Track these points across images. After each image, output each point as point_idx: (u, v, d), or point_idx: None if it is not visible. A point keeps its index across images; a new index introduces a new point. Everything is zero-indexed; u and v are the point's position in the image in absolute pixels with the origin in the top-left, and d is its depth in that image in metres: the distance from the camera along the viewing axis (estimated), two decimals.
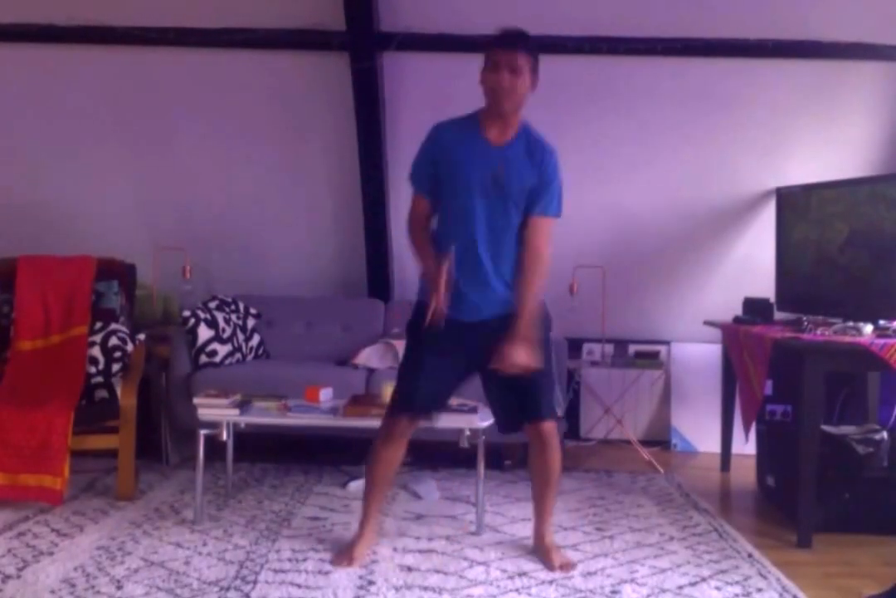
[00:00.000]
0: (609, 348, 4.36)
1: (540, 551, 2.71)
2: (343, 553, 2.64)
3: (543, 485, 2.69)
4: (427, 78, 4.05)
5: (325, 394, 3.17)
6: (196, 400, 3.04)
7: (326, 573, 2.52)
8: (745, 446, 3.76)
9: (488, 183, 2.46)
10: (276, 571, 2.53)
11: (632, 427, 4.39)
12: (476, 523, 2.95)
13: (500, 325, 2.48)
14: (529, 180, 2.48)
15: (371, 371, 3.82)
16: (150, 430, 3.67)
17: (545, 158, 2.50)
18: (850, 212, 3.44)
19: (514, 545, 2.83)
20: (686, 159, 4.25)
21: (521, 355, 2.41)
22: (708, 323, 4.02)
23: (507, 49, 2.41)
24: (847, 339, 3.00)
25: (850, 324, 3.14)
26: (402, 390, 2.61)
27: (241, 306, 4.11)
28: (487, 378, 2.60)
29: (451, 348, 2.51)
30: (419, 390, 2.56)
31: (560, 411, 2.69)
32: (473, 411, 2.96)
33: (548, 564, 2.63)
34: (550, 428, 2.59)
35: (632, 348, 4.41)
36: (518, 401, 2.59)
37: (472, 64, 4.08)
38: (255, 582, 2.43)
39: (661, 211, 4.36)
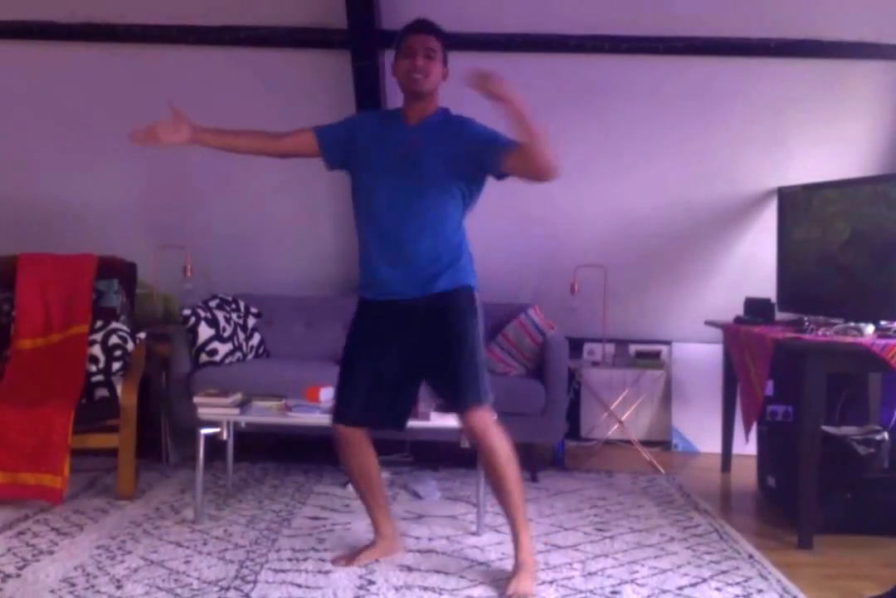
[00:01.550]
0: (610, 348, 4.35)
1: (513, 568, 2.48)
2: (348, 554, 2.63)
3: (496, 489, 2.49)
4: None
5: (326, 393, 3.16)
6: (196, 399, 3.04)
7: (327, 572, 2.52)
8: (746, 446, 3.76)
9: (397, 161, 2.44)
10: (276, 571, 2.52)
11: (632, 428, 4.38)
12: (476, 523, 2.95)
13: (431, 306, 2.43)
14: (452, 152, 2.41)
15: None
16: (150, 429, 3.66)
17: (464, 123, 2.48)
18: (852, 212, 3.43)
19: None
20: (687, 158, 4.25)
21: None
22: (709, 323, 4.02)
23: (420, 34, 2.44)
24: (848, 339, 3.00)
25: (852, 324, 3.14)
26: (336, 398, 2.60)
27: (242, 305, 4.10)
28: (422, 372, 2.54)
29: (383, 338, 2.49)
30: (352, 400, 2.53)
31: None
32: None
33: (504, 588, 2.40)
34: (477, 418, 2.41)
35: (633, 348, 4.40)
36: (444, 393, 2.54)
37: (474, 62, 4.08)
38: (255, 582, 2.43)
39: (662, 210, 4.35)
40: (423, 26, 2.47)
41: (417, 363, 2.50)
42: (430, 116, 2.49)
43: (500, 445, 2.43)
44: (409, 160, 2.43)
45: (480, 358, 2.46)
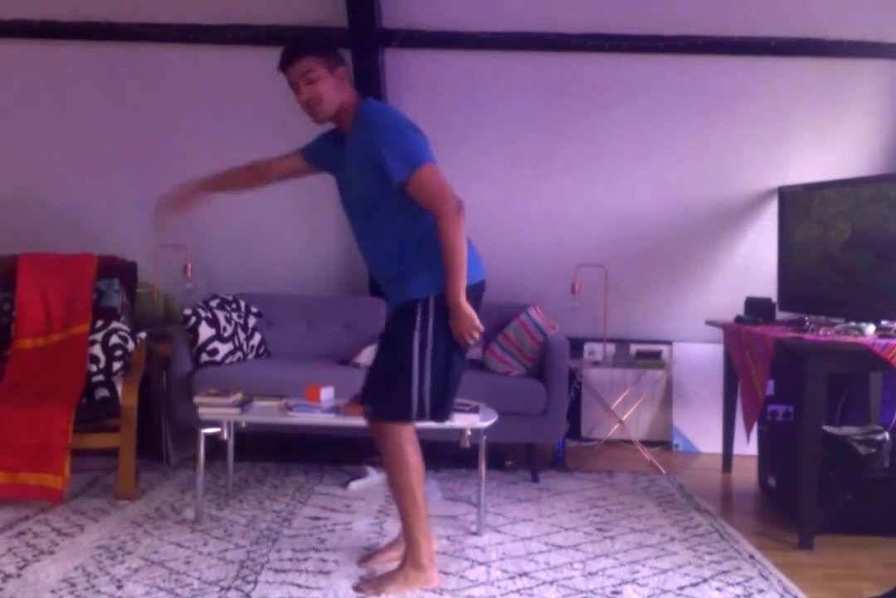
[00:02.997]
0: (610, 348, 4.35)
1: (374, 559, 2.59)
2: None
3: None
4: (430, 75, 4.05)
5: (326, 393, 3.16)
6: (197, 399, 3.04)
7: (327, 572, 2.52)
8: (747, 446, 3.76)
9: (343, 178, 2.47)
10: (276, 571, 2.52)
11: (633, 428, 4.38)
12: (477, 523, 2.95)
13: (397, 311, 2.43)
14: (366, 153, 2.31)
15: None
16: (150, 429, 3.66)
17: (363, 122, 2.33)
18: (853, 212, 3.43)
19: (515, 545, 2.82)
20: (688, 158, 4.24)
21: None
22: (710, 323, 4.02)
23: (291, 63, 2.38)
24: (849, 339, 2.99)
25: (853, 324, 3.13)
26: (436, 397, 2.41)
27: (243, 305, 4.10)
28: None
29: None
30: (449, 398, 2.49)
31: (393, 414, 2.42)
32: (475, 411, 2.95)
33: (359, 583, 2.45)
34: (367, 413, 2.49)
35: (633, 348, 4.40)
36: None
37: (475, 61, 4.10)
38: (255, 582, 2.43)
39: (663, 210, 4.35)
40: (287, 56, 2.40)
41: None
42: (350, 130, 2.39)
43: (386, 445, 2.46)
44: (345, 180, 2.47)
45: (405, 367, 2.35)
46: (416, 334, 2.35)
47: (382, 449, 2.48)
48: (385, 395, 2.41)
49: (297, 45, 2.41)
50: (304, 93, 2.37)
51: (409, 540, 2.45)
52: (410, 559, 2.43)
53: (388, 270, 2.45)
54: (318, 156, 2.58)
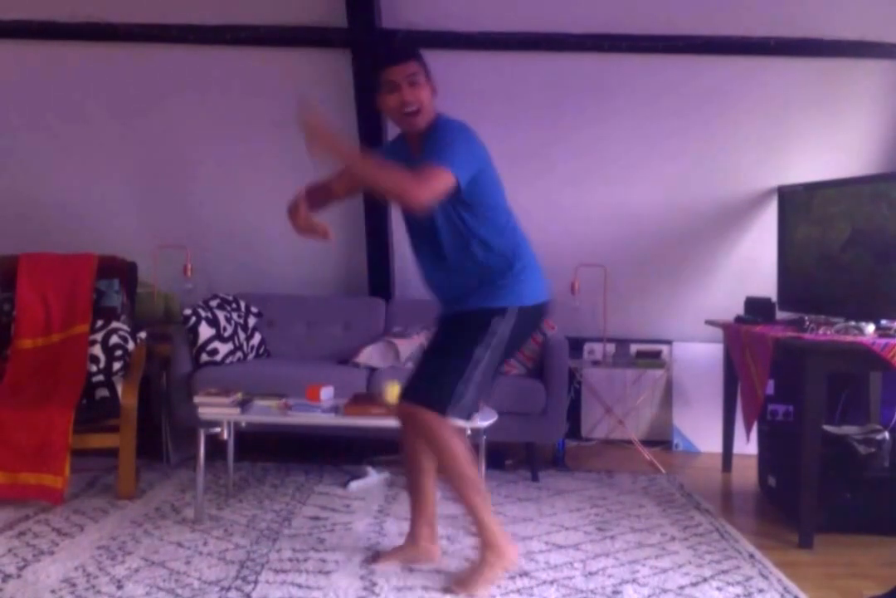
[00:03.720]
0: (610, 348, 4.35)
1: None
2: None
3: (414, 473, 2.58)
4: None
5: (326, 393, 3.16)
6: (197, 399, 3.04)
7: (327, 573, 2.52)
8: (747, 446, 3.76)
9: None
10: (276, 571, 2.52)
11: (633, 427, 4.38)
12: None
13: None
14: None
15: (372, 370, 3.82)
16: (150, 429, 3.66)
17: (439, 132, 2.32)
18: (853, 211, 3.43)
19: (516, 544, 2.81)
20: (688, 157, 4.24)
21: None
22: (710, 322, 4.02)
23: (399, 63, 2.35)
24: (849, 339, 2.99)
25: (852, 324, 3.13)
26: (474, 397, 2.42)
27: (243, 305, 4.10)
28: None
29: None
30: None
31: (458, 414, 2.39)
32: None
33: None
34: (401, 410, 2.44)
35: (633, 348, 4.40)
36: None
37: (475, 61, 4.10)
38: (255, 582, 2.42)
39: (662, 210, 4.35)
40: (397, 55, 2.39)
41: None
42: (425, 142, 2.37)
43: (432, 443, 2.42)
44: None
45: (458, 365, 2.36)
46: (485, 339, 2.36)
47: (426, 443, 2.45)
48: (429, 383, 2.39)
49: (406, 50, 2.41)
50: (406, 95, 2.33)
51: (478, 525, 2.43)
52: (487, 544, 2.42)
53: (467, 282, 2.44)
54: None
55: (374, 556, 2.65)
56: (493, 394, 2.67)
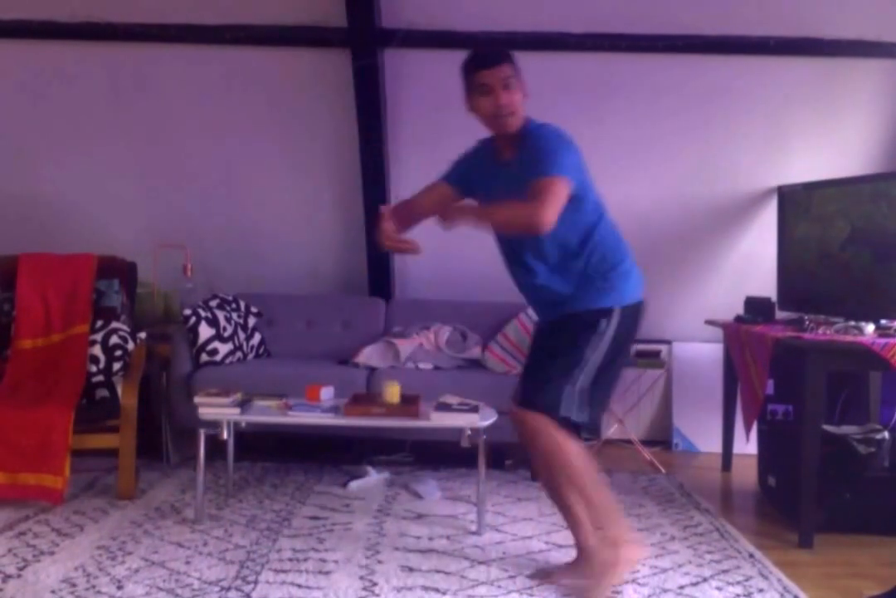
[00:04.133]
0: None
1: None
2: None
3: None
4: (429, 75, 4.04)
5: (326, 393, 3.16)
6: (197, 399, 3.04)
7: (327, 573, 2.52)
8: (747, 445, 3.76)
9: (493, 201, 2.40)
10: (276, 571, 2.52)
11: (633, 427, 4.38)
12: (477, 522, 2.95)
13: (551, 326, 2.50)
14: (528, 182, 2.28)
15: (372, 370, 3.82)
16: (150, 429, 3.66)
17: (531, 147, 2.32)
18: (852, 210, 3.43)
19: (516, 544, 2.82)
20: (687, 157, 4.24)
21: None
22: (709, 322, 4.02)
23: (493, 66, 2.32)
24: (849, 338, 2.99)
25: (852, 323, 3.13)
26: (585, 398, 2.41)
27: (242, 305, 4.10)
28: None
29: None
30: (595, 410, 2.48)
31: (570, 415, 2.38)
32: (474, 410, 2.95)
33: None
34: (514, 416, 2.44)
35: (633, 348, 4.39)
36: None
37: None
38: (255, 582, 2.43)
39: (661, 209, 4.35)
40: (491, 58, 2.34)
41: None
42: (517, 151, 2.38)
43: (540, 447, 2.40)
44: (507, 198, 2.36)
45: (566, 365, 2.37)
46: (591, 340, 2.37)
47: (536, 449, 2.42)
48: (536, 386, 2.40)
49: (500, 52, 2.37)
50: (502, 98, 2.31)
51: (605, 520, 2.40)
52: (612, 538, 2.38)
53: (569, 285, 2.43)
54: (464, 181, 2.53)
55: (541, 573, 2.54)
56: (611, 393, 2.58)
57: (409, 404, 3.01)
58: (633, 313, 2.45)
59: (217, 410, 2.96)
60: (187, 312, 3.78)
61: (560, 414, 2.35)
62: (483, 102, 2.34)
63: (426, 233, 4.49)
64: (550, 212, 2.17)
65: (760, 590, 2.48)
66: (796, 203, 3.81)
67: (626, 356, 2.56)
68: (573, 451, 2.37)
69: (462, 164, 2.57)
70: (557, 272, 2.44)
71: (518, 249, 2.48)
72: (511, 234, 2.44)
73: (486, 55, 2.36)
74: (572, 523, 2.45)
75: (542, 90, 4.07)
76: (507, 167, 2.41)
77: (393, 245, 2.40)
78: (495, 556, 2.70)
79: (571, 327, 2.41)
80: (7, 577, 2.43)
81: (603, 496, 2.44)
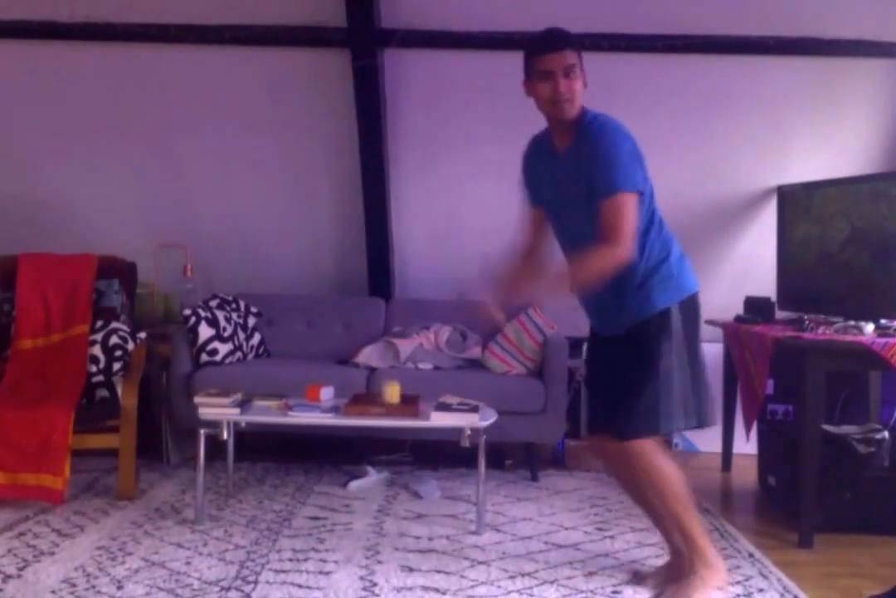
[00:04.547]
0: None
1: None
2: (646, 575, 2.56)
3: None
4: (429, 75, 4.04)
5: (326, 393, 3.16)
6: (197, 399, 3.04)
7: (327, 573, 2.52)
8: (747, 445, 3.76)
9: (555, 198, 2.39)
10: (276, 571, 2.52)
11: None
12: (477, 522, 2.95)
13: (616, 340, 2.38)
14: (586, 177, 2.22)
15: (372, 370, 3.82)
16: (150, 429, 3.66)
17: (587, 144, 2.24)
18: (852, 210, 3.43)
19: (515, 544, 2.82)
20: (687, 157, 4.24)
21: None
22: (709, 322, 4.00)
23: (556, 52, 2.24)
24: (848, 338, 2.99)
25: (852, 323, 3.13)
26: (683, 404, 2.33)
27: (242, 305, 4.10)
28: None
29: None
30: (699, 402, 2.40)
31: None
32: (474, 410, 2.95)
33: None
34: (605, 448, 2.44)
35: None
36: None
37: (474, 61, 4.09)
38: (255, 582, 2.43)
39: (661, 209, 4.32)
40: (554, 43, 2.26)
41: None
42: (571, 142, 2.31)
43: (651, 471, 2.33)
44: (563, 195, 2.34)
45: (639, 386, 2.29)
46: (665, 346, 2.28)
47: (634, 469, 2.36)
48: (633, 412, 2.29)
49: (568, 36, 2.29)
50: (562, 85, 2.23)
51: (692, 545, 2.35)
52: (701, 561, 2.34)
53: (623, 298, 2.33)
54: (534, 191, 2.50)
55: (638, 576, 2.55)
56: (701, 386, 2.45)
57: (408, 404, 3.01)
58: (691, 305, 2.35)
59: (217, 410, 2.96)
60: (187, 312, 3.78)
61: (662, 432, 2.31)
62: (542, 87, 2.27)
63: (426, 233, 4.52)
64: (626, 242, 2.13)
65: (760, 590, 2.48)
66: (796, 203, 3.81)
67: (699, 344, 2.40)
68: (672, 476, 2.32)
69: (526, 173, 2.51)
70: (614, 282, 2.29)
71: (571, 242, 2.40)
72: (567, 239, 2.41)
73: (551, 39, 2.29)
74: (665, 526, 2.45)
75: None
76: (563, 158, 2.33)
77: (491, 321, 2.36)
78: (495, 556, 2.70)
79: (638, 339, 2.31)
80: (7, 577, 2.43)
81: (696, 517, 2.37)
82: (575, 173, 2.27)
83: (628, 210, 2.17)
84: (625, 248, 2.15)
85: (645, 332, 2.31)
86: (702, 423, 2.41)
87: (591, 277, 2.24)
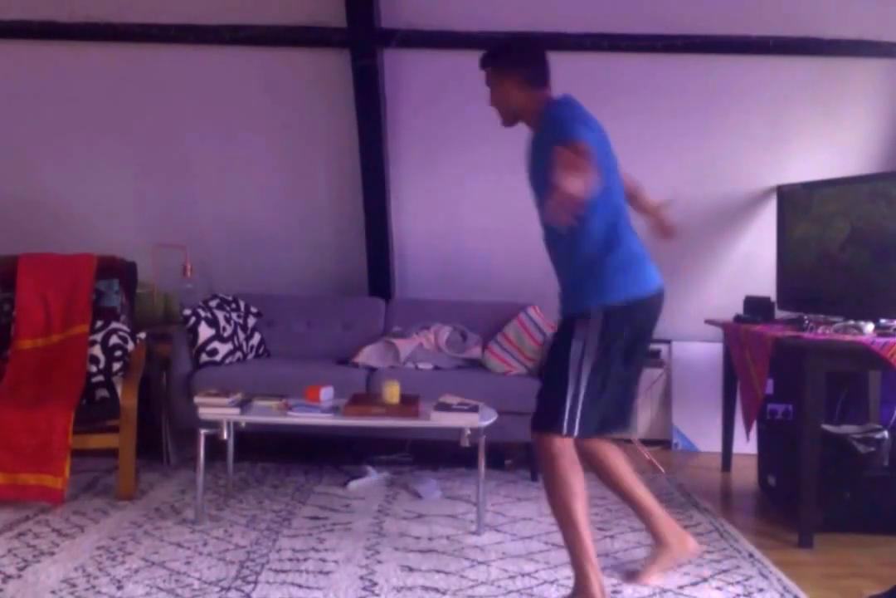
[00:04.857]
0: None
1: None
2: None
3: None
4: (429, 75, 4.05)
5: (326, 393, 3.16)
6: (197, 399, 3.04)
7: (327, 573, 2.52)
8: (747, 445, 3.76)
9: (534, 180, 2.49)
10: (276, 571, 2.52)
11: (632, 427, 4.38)
12: (477, 522, 2.95)
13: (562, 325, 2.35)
14: (546, 162, 2.16)
15: (372, 370, 3.82)
16: (150, 429, 3.66)
17: (543, 127, 2.37)
18: (852, 210, 3.43)
19: (515, 544, 2.82)
20: (687, 157, 4.24)
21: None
22: (709, 322, 4.02)
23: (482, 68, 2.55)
24: (848, 338, 2.99)
25: (851, 323, 3.14)
26: (589, 411, 2.30)
27: (242, 305, 4.10)
28: None
29: None
30: (613, 411, 2.43)
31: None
32: (474, 410, 2.95)
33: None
34: (537, 441, 2.35)
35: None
36: None
37: (474, 61, 4.08)
38: (255, 582, 2.43)
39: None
40: (480, 63, 2.56)
41: None
42: (537, 129, 2.45)
43: (549, 475, 2.29)
44: (532, 181, 2.48)
45: (550, 381, 2.32)
46: (575, 346, 2.24)
47: (541, 467, 2.38)
48: (539, 404, 2.34)
49: (486, 55, 2.58)
50: (490, 97, 2.53)
51: (575, 570, 2.30)
52: (581, 592, 2.28)
53: (566, 279, 2.40)
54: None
55: (631, 575, 2.56)
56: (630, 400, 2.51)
57: (408, 404, 3.01)
58: (624, 314, 2.28)
59: (217, 410, 2.96)
60: (187, 312, 3.79)
61: (567, 433, 2.25)
62: None
63: (426, 233, 4.52)
64: (568, 176, 1.94)
65: (760, 590, 2.48)
66: (796, 203, 3.81)
67: (631, 356, 2.35)
68: (573, 490, 2.25)
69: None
70: (563, 263, 2.39)
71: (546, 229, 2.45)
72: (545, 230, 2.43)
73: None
74: (644, 515, 2.51)
75: None
76: (530, 149, 2.49)
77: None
78: (495, 556, 2.70)
79: (561, 332, 2.33)
80: (7, 577, 2.43)
81: (585, 543, 2.26)
82: (535, 156, 2.42)
83: (576, 153, 2.02)
84: (571, 181, 1.93)
85: (567, 326, 2.30)
86: (615, 432, 2.50)
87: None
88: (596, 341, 2.25)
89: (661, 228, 2.63)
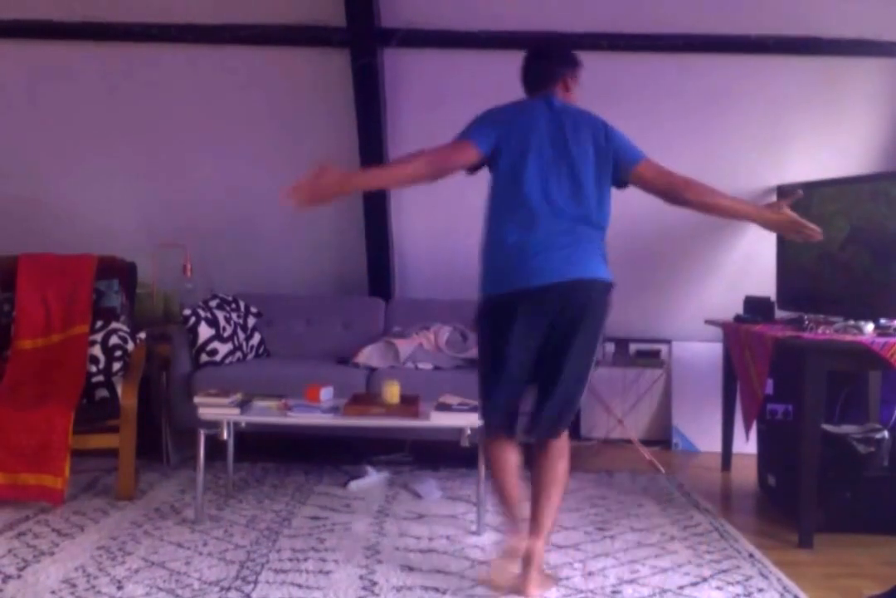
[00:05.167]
0: (610, 347, 4.35)
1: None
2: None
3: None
4: (429, 75, 4.04)
5: (326, 393, 3.16)
6: (197, 399, 3.04)
7: (327, 573, 2.52)
8: (746, 445, 3.76)
9: None
10: (276, 571, 2.52)
11: (632, 427, 4.38)
12: (477, 522, 2.95)
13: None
14: None
15: (372, 370, 3.82)
16: (150, 429, 3.66)
17: None
18: (852, 210, 3.43)
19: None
20: (687, 157, 4.22)
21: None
22: (709, 322, 4.02)
23: None
24: (848, 338, 2.99)
25: (852, 323, 3.14)
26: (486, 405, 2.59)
27: (242, 305, 4.11)
28: None
29: None
30: (501, 407, 2.59)
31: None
32: (474, 410, 2.95)
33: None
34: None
35: (632, 347, 4.40)
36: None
37: (474, 60, 4.10)
38: (255, 582, 2.43)
39: (661, 208, 4.29)
40: None
41: None
42: None
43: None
44: None
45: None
46: (477, 332, 2.45)
47: (560, 466, 2.62)
48: (566, 404, 2.59)
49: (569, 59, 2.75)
50: None
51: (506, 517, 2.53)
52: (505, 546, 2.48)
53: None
54: None
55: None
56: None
57: (408, 404, 3.01)
58: (485, 306, 2.44)
59: (217, 410, 2.96)
60: (187, 312, 3.79)
61: (485, 422, 2.49)
62: None
63: (426, 233, 4.51)
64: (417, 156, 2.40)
65: (760, 590, 2.48)
66: (796, 203, 3.79)
67: (500, 347, 2.38)
68: (496, 472, 2.57)
69: None
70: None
71: None
72: None
73: None
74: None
75: None
76: None
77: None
78: (495, 556, 2.70)
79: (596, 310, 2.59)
80: (7, 577, 2.43)
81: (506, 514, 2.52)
82: None
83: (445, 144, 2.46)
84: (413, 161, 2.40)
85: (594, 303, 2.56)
86: (498, 427, 2.57)
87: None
88: (483, 332, 2.50)
89: (794, 228, 2.56)
